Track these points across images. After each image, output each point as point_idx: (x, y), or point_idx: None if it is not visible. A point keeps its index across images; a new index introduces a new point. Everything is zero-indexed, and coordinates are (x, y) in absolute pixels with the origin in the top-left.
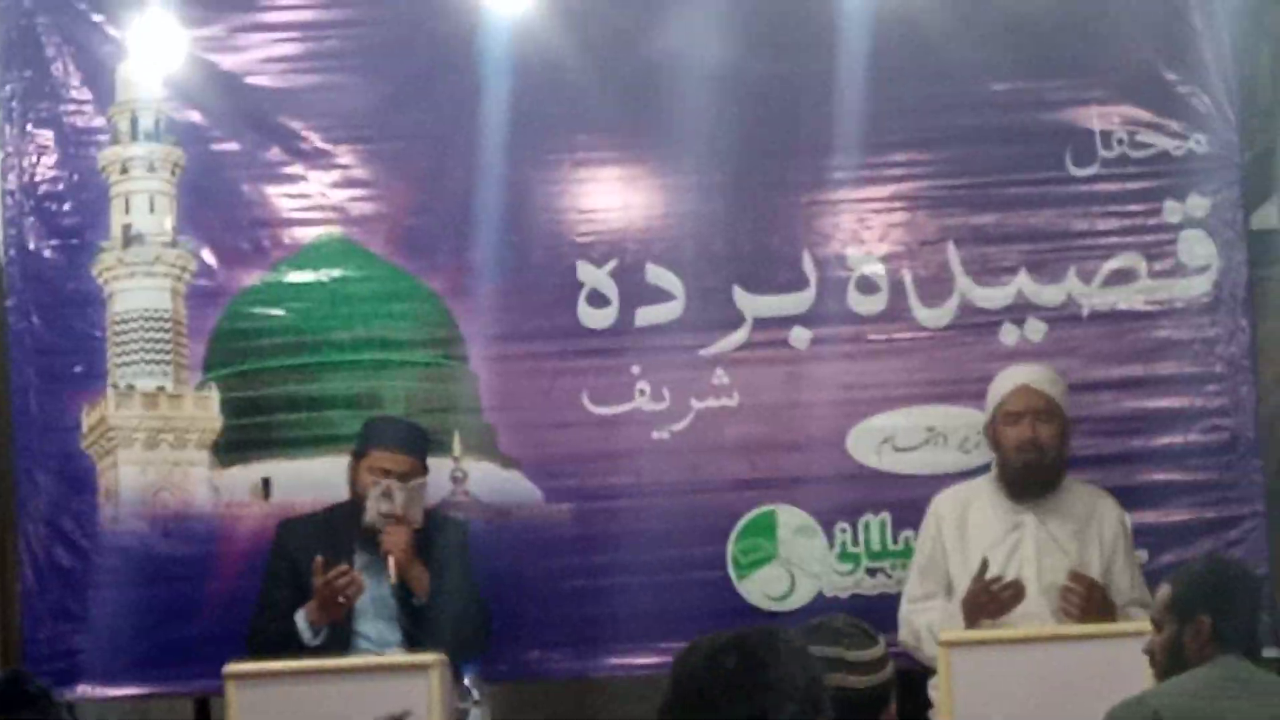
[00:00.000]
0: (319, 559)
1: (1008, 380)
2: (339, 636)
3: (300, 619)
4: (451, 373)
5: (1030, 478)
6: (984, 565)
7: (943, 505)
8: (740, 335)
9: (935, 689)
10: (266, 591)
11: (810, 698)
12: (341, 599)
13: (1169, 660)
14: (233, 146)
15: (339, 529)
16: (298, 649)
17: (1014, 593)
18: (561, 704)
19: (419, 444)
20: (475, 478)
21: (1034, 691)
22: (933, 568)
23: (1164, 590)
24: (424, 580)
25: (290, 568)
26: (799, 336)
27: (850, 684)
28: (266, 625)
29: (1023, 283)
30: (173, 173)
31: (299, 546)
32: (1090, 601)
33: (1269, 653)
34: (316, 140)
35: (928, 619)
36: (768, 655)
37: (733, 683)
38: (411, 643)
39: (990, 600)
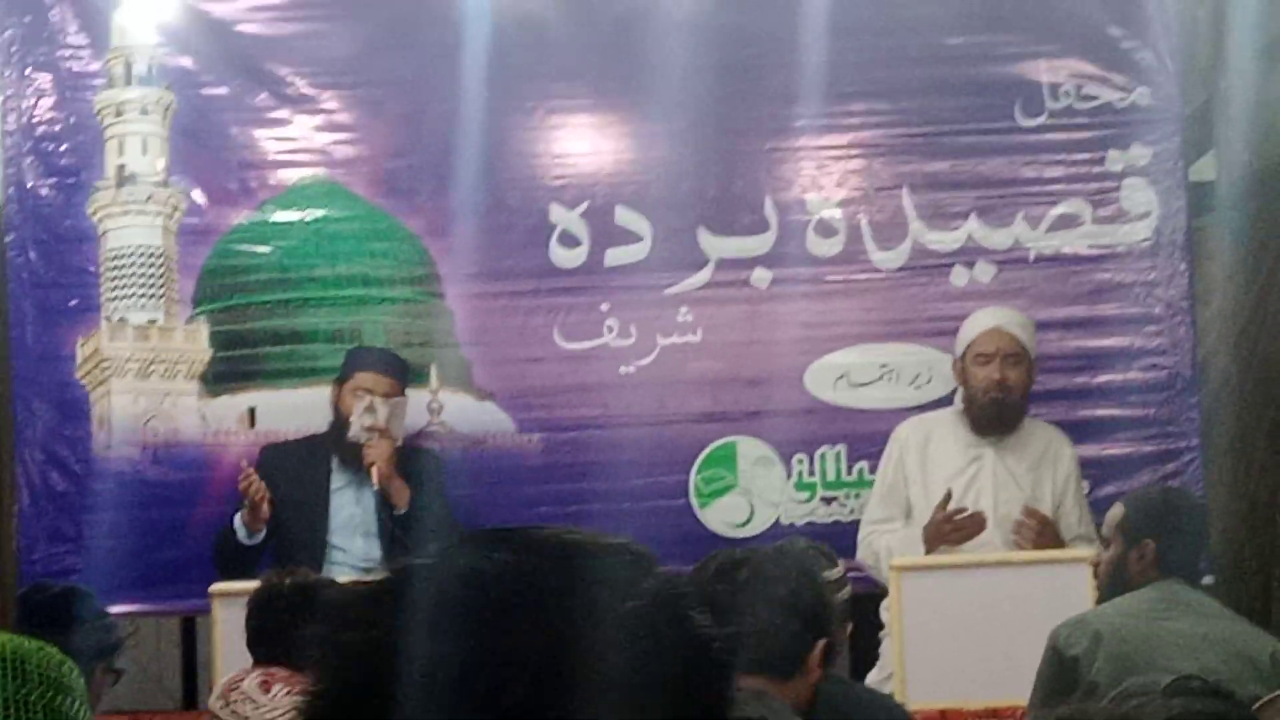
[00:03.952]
0: (244, 464)
1: (980, 321)
2: (312, 550)
3: (237, 520)
4: (429, 309)
5: (995, 415)
6: (947, 496)
7: (906, 433)
8: (704, 275)
9: (887, 610)
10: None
11: (813, 616)
12: (257, 498)
13: (1112, 576)
14: (222, 91)
15: (316, 455)
16: (244, 554)
17: (976, 522)
18: None
19: (400, 369)
20: (451, 408)
21: (981, 615)
22: (893, 493)
23: (1116, 510)
24: (404, 493)
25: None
26: (760, 277)
27: None
28: (222, 536)
29: (973, 227)
30: (165, 116)
31: (275, 469)
32: (1042, 536)
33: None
34: (302, 86)
35: (887, 541)
36: (776, 573)
37: (742, 596)
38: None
39: (953, 529)
